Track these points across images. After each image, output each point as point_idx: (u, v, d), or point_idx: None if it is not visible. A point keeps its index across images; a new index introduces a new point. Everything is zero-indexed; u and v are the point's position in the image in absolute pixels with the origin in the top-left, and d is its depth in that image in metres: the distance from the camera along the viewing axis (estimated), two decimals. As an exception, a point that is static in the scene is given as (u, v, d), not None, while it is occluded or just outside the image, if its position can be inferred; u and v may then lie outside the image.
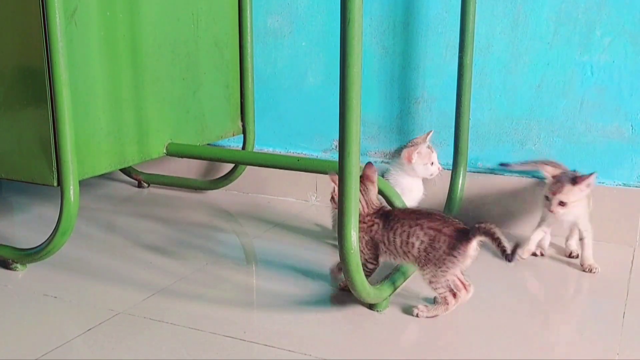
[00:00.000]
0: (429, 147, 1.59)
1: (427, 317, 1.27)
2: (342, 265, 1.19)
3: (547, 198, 1.47)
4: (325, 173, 1.56)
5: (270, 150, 2.01)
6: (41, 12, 1.30)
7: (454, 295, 1.26)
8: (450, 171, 1.70)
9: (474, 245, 1.22)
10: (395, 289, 1.33)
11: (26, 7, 1.32)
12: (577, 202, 1.45)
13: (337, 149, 1.35)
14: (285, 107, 1.99)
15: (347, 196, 1.14)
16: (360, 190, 1.25)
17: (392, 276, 1.34)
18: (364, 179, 1.30)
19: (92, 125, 1.47)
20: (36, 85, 1.36)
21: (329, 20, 1.87)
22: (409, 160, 1.57)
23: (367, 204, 1.30)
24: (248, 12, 1.89)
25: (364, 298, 1.25)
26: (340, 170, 1.14)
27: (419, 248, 1.24)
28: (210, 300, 1.35)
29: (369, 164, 1.35)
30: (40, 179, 1.41)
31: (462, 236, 1.22)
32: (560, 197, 1.44)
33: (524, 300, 1.37)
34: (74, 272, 1.49)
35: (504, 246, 1.18)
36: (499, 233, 1.19)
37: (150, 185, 2.18)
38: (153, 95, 1.63)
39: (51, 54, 1.31)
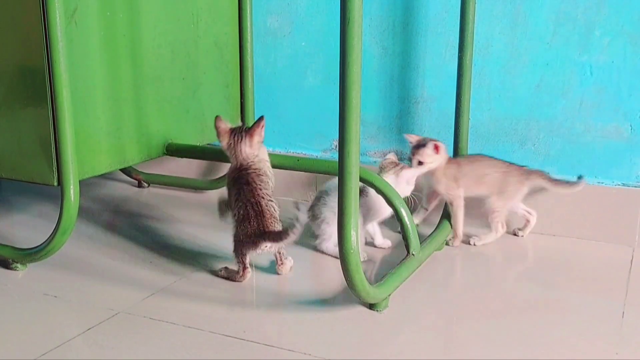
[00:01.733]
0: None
1: (223, 277, 1.44)
2: (342, 265, 1.19)
3: (409, 160, 1.64)
4: (326, 173, 1.57)
5: (270, 150, 2.00)
6: (41, 12, 1.30)
7: (245, 268, 1.41)
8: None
9: (262, 246, 1.39)
10: (395, 289, 1.34)
11: (26, 7, 1.32)
12: (432, 165, 1.61)
13: (337, 149, 1.35)
14: (285, 107, 1.99)
15: (347, 196, 1.15)
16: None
17: (392, 276, 1.34)
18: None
19: (92, 125, 1.47)
20: (36, 85, 1.36)
21: (329, 20, 1.88)
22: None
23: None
24: (248, 12, 1.89)
25: (364, 298, 1.25)
26: (340, 170, 1.14)
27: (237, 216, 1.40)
28: (210, 300, 1.35)
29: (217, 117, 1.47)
30: (40, 178, 1.41)
31: (259, 234, 1.38)
32: (418, 157, 1.60)
33: (522, 300, 1.37)
34: (74, 272, 1.49)
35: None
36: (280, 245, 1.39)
37: (150, 185, 2.18)
38: (153, 95, 1.63)
39: (51, 54, 1.31)
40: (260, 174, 1.43)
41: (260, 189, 1.40)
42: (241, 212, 1.39)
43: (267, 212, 1.39)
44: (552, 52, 1.66)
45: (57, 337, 1.20)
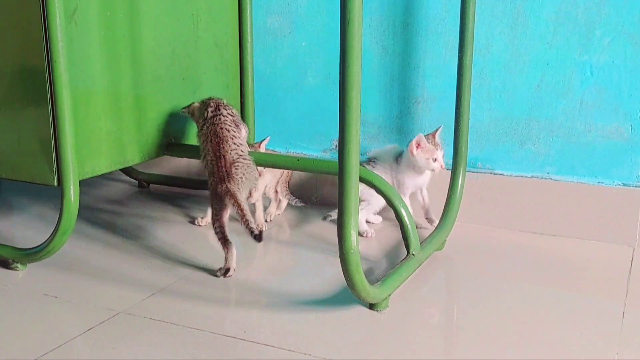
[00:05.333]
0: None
1: (222, 274, 1.45)
2: (342, 265, 1.19)
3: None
4: (326, 173, 1.57)
5: (270, 150, 2.01)
6: (41, 11, 1.30)
7: (226, 241, 1.45)
8: (450, 171, 1.70)
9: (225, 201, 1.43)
10: (395, 289, 1.34)
11: (26, 7, 1.32)
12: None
13: (337, 149, 1.35)
14: (285, 107, 1.99)
15: (347, 196, 1.14)
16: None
17: (392, 276, 1.34)
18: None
19: (92, 125, 1.47)
20: (36, 85, 1.36)
21: (329, 20, 1.88)
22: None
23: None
24: (248, 12, 1.89)
25: (364, 298, 1.25)
26: (340, 170, 1.14)
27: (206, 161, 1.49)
28: (210, 300, 1.35)
29: None
30: (40, 179, 1.41)
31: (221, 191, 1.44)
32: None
33: (522, 300, 1.37)
34: (74, 272, 1.49)
35: (248, 223, 1.39)
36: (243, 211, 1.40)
37: (150, 185, 2.18)
38: (153, 95, 1.63)
39: (51, 54, 1.31)
40: (235, 121, 1.54)
41: (230, 140, 1.49)
42: (208, 162, 1.48)
43: (232, 168, 1.46)
44: (553, 52, 1.66)
45: (57, 337, 1.20)
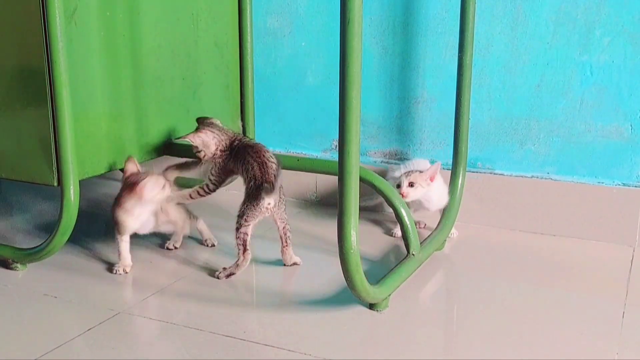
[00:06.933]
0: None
1: (225, 276, 1.43)
2: (342, 265, 1.19)
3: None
4: (326, 173, 1.57)
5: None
6: (41, 12, 1.30)
7: (245, 250, 1.42)
8: (450, 171, 1.70)
9: (264, 203, 1.40)
10: (395, 289, 1.34)
11: (26, 7, 1.32)
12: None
13: (337, 149, 1.35)
14: (285, 107, 1.99)
15: (347, 196, 1.14)
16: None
17: (392, 276, 1.34)
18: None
19: (92, 125, 1.47)
20: (36, 85, 1.36)
21: (329, 20, 1.88)
22: None
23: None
24: (248, 12, 1.89)
25: (364, 298, 1.25)
26: (340, 170, 1.14)
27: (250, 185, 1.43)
28: (210, 300, 1.35)
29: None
30: (40, 178, 1.41)
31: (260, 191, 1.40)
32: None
33: (522, 300, 1.37)
34: (74, 272, 1.49)
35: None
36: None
37: (150, 185, 2.18)
38: (153, 95, 1.63)
39: (51, 54, 1.31)
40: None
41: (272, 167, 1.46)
42: (251, 184, 1.43)
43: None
44: (553, 52, 1.66)
45: (57, 337, 1.20)
